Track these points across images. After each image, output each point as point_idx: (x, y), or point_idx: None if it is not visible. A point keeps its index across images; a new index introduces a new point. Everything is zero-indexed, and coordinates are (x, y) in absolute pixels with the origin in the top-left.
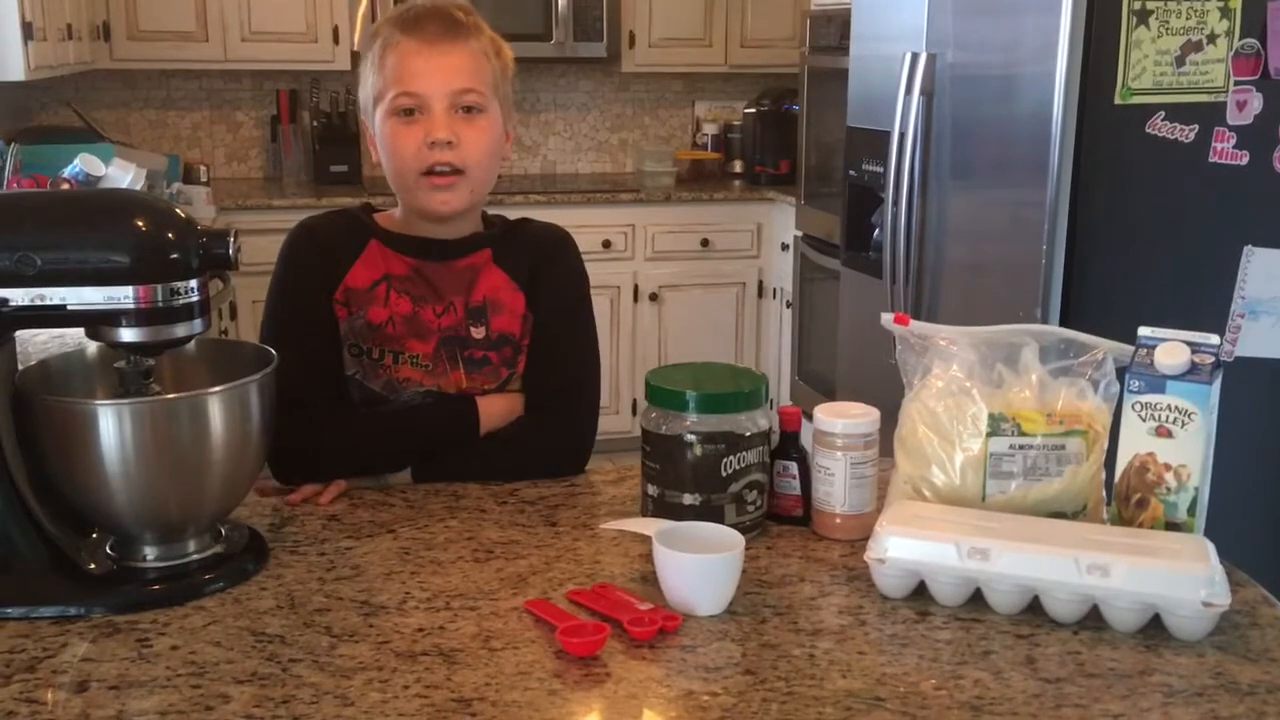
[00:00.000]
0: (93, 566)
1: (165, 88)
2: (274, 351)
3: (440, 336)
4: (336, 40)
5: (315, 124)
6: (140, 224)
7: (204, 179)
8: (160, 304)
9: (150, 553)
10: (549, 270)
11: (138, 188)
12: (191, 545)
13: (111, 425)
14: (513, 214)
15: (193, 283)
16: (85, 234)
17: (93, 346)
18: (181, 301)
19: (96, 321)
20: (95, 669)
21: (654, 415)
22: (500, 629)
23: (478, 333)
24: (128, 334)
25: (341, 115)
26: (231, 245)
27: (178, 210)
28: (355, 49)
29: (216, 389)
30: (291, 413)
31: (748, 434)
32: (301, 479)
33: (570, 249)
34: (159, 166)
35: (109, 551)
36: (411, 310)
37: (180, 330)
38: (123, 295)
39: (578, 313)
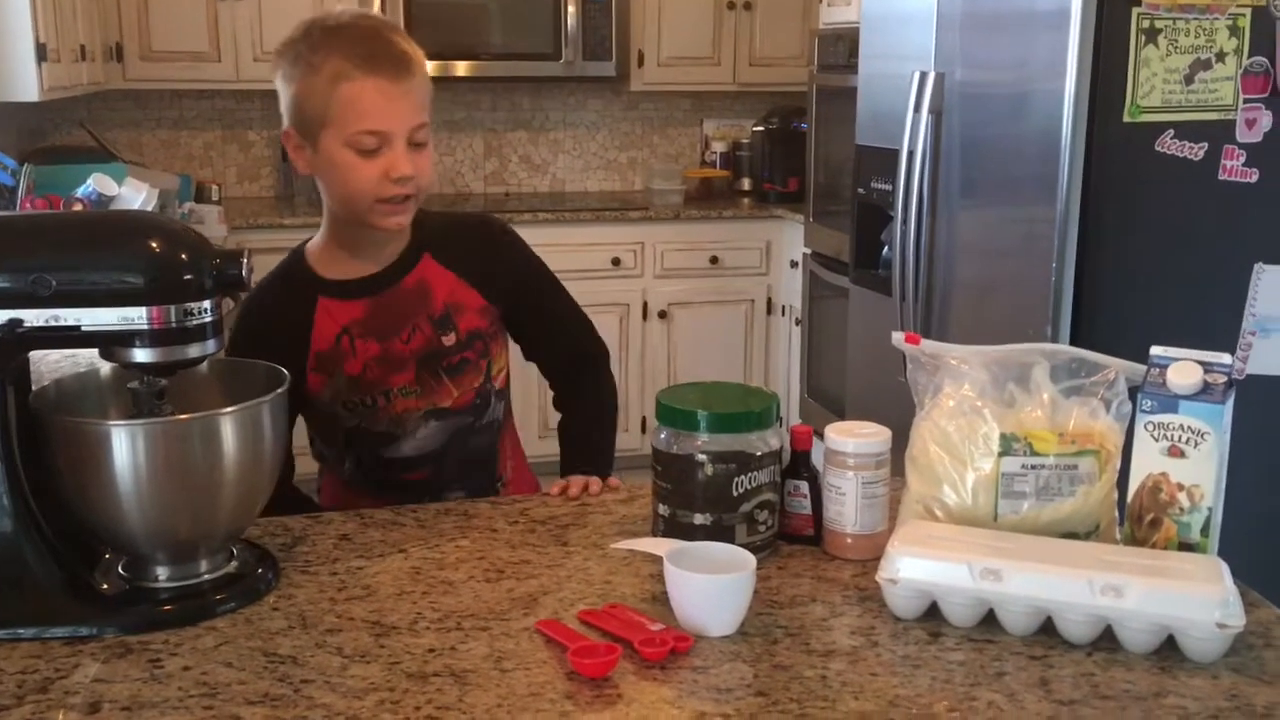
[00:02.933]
0: (105, 587)
1: (177, 107)
2: (285, 372)
3: (416, 360)
4: None
5: None
6: (154, 245)
7: (216, 198)
8: (174, 325)
9: (162, 573)
10: (497, 259)
11: (150, 207)
12: (204, 565)
13: (124, 445)
14: (523, 232)
15: (206, 303)
16: (100, 255)
17: (106, 367)
18: (195, 322)
19: (110, 342)
20: (107, 690)
21: (665, 435)
22: (512, 649)
23: (449, 340)
24: (141, 354)
25: None
26: (244, 266)
27: (191, 231)
28: None
29: (229, 410)
30: None
31: (759, 453)
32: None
33: (500, 231)
34: (171, 186)
35: (121, 572)
36: (380, 350)
37: (193, 351)
38: (136, 316)
39: (544, 280)
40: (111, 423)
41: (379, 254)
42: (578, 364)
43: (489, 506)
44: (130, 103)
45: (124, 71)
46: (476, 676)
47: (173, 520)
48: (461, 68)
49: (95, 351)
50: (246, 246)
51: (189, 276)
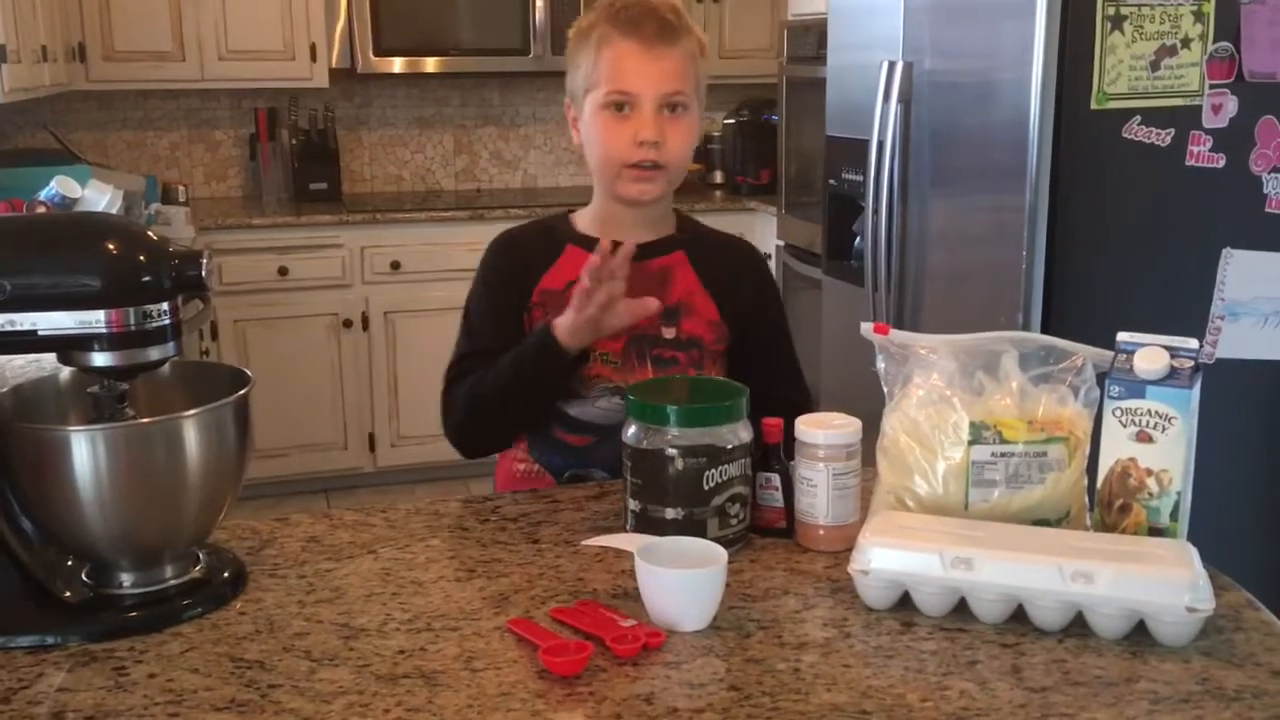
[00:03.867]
0: (68, 594)
1: (142, 108)
2: (249, 373)
3: (630, 335)
4: (314, 58)
5: (294, 142)
6: (111, 247)
7: (183, 199)
8: (133, 327)
9: (127, 579)
10: (747, 280)
11: (115, 209)
12: (169, 571)
13: (85, 451)
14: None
15: (165, 305)
16: (56, 258)
17: (66, 371)
18: (154, 324)
19: (68, 346)
20: (71, 699)
21: (635, 429)
22: (482, 649)
23: (669, 333)
24: (100, 358)
25: (321, 133)
26: (204, 266)
27: (149, 232)
28: (334, 65)
29: (191, 412)
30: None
31: (729, 447)
32: (476, 450)
33: (759, 258)
34: (137, 187)
35: (85, 579)
36: None
37: (154, 353)
38: (94, 319)
39: (780, 321)
40: (71, 428)
41: (637, 235)
42: (780, 413)
43: (460, 505)
44: (94, 104)
45: (87, 72)
46: (446, 677)
47: (136, 526)
48: (430, 64)
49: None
50: (209, 247)
51: (147, 278)
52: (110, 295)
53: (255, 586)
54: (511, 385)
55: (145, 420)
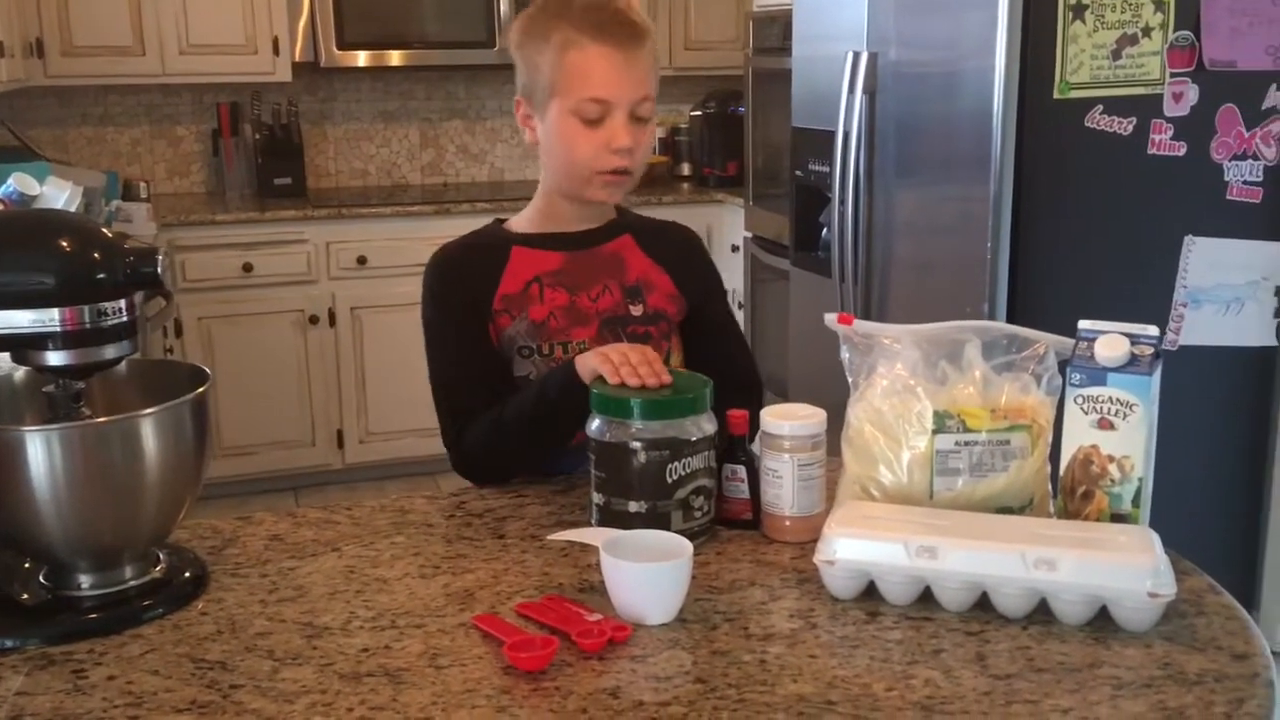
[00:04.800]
0: (26, 597)
1: (102, 103)
2: (208, 370)
3: (600, 319)
4: (277, 52)
5: (258, 137)
6: (64, 244)
7: (144, 195)
8: (88, 325)
9: (85, 581)
10: (693, 259)
11: (74, 206)
12: (128, 572)
13: (40, 451)
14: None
15: (120, 303)
16: (8, 256)
17: (20, 371)
18: (110, 322)
19: (22, 345)
20: (29, 703)
21: (599, 423)
22: (447, 646)
23: (636, 310)
24: (55, 357)
25: (284, 127)
26: (160, 263)
27: (104, 229)
28: (297, 59)
29: (149, 411)
30: (467, 426)
31: (693, 439)
32: (492, 480)
33: (699, 240)
34: (97, 184)
35: (43, 581)
36: (569, 300)
37: (110, 352)
38: (48, 318)
39: (724, 300)
40: (26, 429)
41: (582, 226)
42: (736, 392)
43: (425, 501)
44: (54, 99)
45: (45, 68)
46: (411, 675)
47: (94, 526)
48: (394, 57)
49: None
50: (172, 244)
51: (101, 275)
52: (64, 293)
53: (217, 586)
54: (542, 421)
55: (102, 420)
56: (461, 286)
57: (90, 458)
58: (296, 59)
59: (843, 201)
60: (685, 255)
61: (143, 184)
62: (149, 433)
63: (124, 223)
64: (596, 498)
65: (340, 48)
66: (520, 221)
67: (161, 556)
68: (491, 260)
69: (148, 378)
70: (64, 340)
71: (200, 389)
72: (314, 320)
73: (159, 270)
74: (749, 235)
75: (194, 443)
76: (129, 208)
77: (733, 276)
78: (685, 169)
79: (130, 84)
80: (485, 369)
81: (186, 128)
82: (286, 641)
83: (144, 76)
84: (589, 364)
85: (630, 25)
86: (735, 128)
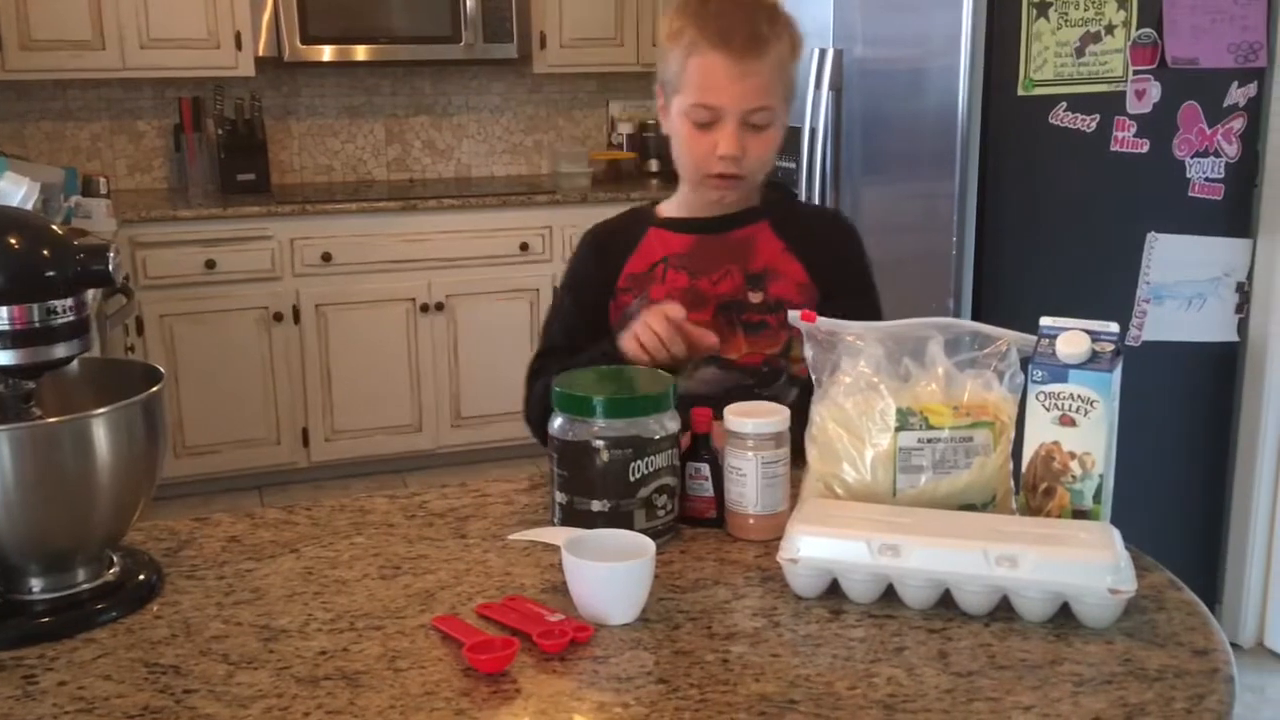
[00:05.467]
0: None
1: (62, 98)
2: (161, 370)
3: (717, 303)
4: (239, 46)
5: (220, 132)
6: (12, 242)
7: (104, 191)
8: (37, 324)
9: (37, 584)
10: (832, 241)
11: (31, 203)
12: (81, 575)
13: None
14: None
15: (70, 301)
16: None
17: None
18: (59, 321)
19: None
20: None
21: (561, 421)
22: (406, 648)
23: (755, 297)
24: (3, 356)
25: (248, 122)
26: (111, 260)
27: (53, 226)
28: (260, 53)
29: (100, 411)
30: (533, 383)
31: (656, 437)
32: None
33: (848, 224)
34: (55, 180)
35: None
36: (688, 283)
37: (60, 351)
38: None
39: (868, 292)
40: None
41: (719, 209)
42: None
43: (386, 501)
44: (11, 94)
45: (3, 62)
46: (369, 678)
47: (45, 529)
48: (360, 52)
49: None
50: (133, 240)
51: (50, 273)
52: (12, 291)
53: (172, 589)
54: None
55: (52, 420)
56: (593, 262)
57: (41, 459)
58: (260, 53)
59: (809, 198)
60: (826, 244)
61: (103, 180)
62: (101, 433)
63: (83, 219)
64: (559, 497)
65: (304, 42)
66: (668, 205)
67: (115, 559)
68: (627, 240)
69: (100, 377)
70: (13, 339)
71: (154, 388)
72: (278, 317)
73: (110, 268)
74: None
75: (147, 443)
76: (88, 204)
77: None
78: (654, 165)
79: (90, 78)
80: (579, 343)
81: (148, 123)
82: (242, 645)
83: (104, 71)
84: (628, 346)
85: (753, 36)
86: None
